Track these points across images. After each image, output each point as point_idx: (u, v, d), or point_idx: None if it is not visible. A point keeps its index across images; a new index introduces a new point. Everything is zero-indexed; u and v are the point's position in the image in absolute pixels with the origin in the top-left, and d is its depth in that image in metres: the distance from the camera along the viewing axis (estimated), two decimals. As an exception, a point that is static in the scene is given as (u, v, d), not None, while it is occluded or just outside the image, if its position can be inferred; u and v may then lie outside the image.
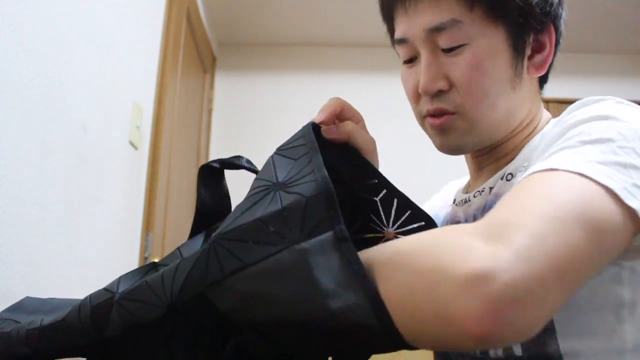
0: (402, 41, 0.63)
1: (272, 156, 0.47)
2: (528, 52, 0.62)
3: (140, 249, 1.47)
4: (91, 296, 0.46)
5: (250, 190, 0.44)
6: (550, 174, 0.42)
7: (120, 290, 0.44)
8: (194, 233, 0.56)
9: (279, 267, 0.39)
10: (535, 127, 0.65)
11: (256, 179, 0.46)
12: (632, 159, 0.43)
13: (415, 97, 0.64)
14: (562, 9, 0.63)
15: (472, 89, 0.59)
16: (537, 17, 0.60)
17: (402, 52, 0.65)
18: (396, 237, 0.53)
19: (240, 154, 0.57)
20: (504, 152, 0.65)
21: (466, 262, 0.33)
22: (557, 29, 0.63)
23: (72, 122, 0.98)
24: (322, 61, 2.69)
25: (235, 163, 0.55)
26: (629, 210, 0.40)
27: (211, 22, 2.45)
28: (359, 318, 0.37)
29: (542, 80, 0.67)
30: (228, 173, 0.58)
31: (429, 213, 0.79)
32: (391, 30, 0.68)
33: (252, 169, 0.55)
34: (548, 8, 0.60)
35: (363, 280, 0.37)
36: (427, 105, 0.62)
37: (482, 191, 0.64)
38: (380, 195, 0.52)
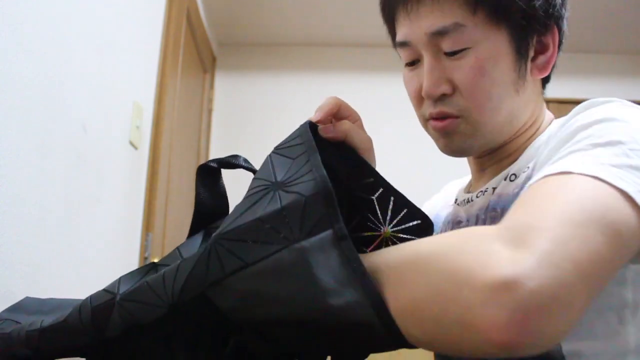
0: (404, 44, 0.63)
1: (269, 155, 0.47)
2: (531, 54, 0.62)
3: (140, 249, 1.47)
4: (91, 297, 0.46)
5: (249, 190, 0.45)
6: (565, 177, 0.41)
7: (121, 292, 0.44)
8: (192, 232, 0.56)
9: (279, 266, 0.39)
10: (538, 128, 0.65)
11: (255, 178, 0.46)
12: None
13: (418, 100, 0.64)
14: (565, 9, 0.63)
15: (476, 93, 0.59)
16: (540, 20, 0.60)
17: (404, 54, 0.64)
18: (393, 236, 0.53)
19: (240, 154, 0.57)
20: (506, 153, 0.65)
21: (490, 268, 0.33)
22: (560, 30, 0.62)
23: (72, 122, 0.98)
24: (322, 61, 2.69)
25: (232, 162, 0.55)
26: None
27: (211, 22, 2.45)
28: (359, 315, 0.37)
29: (545, 80, 0.67)
30: (225, 172, 0.58)
31: (429, 213, 0.80)
32: (392, 32, 0.67)
33: (250, 168, 0.55)
34: (551, 10, 0.60)
35: (362, 277, 0.38)
36: (430, 109, 0.62)
37: (485, 191, 0.64)
38: (377, 194, 0.53)
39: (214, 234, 0.42)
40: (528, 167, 0.58)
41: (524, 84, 0.61)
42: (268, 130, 2.50)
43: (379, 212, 0.53)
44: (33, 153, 0.83)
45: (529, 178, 0.56)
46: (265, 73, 2.69)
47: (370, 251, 0.52)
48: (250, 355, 0.45)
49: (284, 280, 0.39)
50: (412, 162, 2.50)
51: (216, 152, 2.52)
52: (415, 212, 0.53)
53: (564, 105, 1.94)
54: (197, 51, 2.24)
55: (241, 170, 0.57)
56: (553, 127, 0.62)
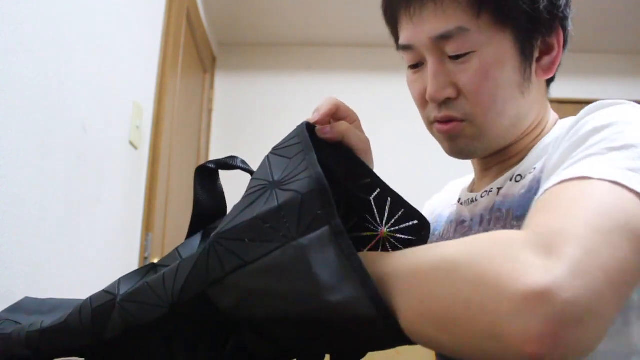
0: (407, 47, 0.62)
1: (267, 156, 0.48)
2: (536, 55, 0.61)
3: (140, 249, 1.47)
4: (92, 298, 0.46)
5: (247, 190, 0.45)
6: (584, 182, 0.41)
7: (121, 292, 0.45)
8: (191, 233, 0.56)
9: (278, 264, 0.39)
10: (543, 129, 0.64)
11: (252, 178, 0.46)
12: None
13: (423, 103, 0.64)
14: (569, 9, 0.62)
15: (481, 97, 0.59)
16: (545, 21, 0.59)
17: (408, 57, 0.64)
18: (390, 236, 0.54)
19: (240, 154, 0.58)
20: (511, 154, 0.64)
21: (521, 277, 0.32)
22: (564, 30, 0.62)
23: (72, 122, 0.98)
24: (322, 61, 2.70)
25: (230, 164, 0.56)
26: None
27: (211, 22, 2.45)
28: (358, 310, 0.38)
29: (550, 80, 0.66)
30: (222, 173, 0.58)
31: (430, 212, 0.80)
32: (395, 34, 0.67)
33: (247, 169, 0.56)
34: (555, 11, 0.59)
35: (361, 273, 0.38)
36: (434, 112, 0.62)
37: (490, 191, 0.64)
38: (374, 195, 0.53)
39: (212, 234, 0.42)
40: (534, 168, 0.58)
41: (529, 86, 0.61)
42: (268, 130, 2.50)
43: (376, 212, 0.53)
44: (33, 153, 0.83)
45: (536, 179, 0.56)
46: (265, 73, 2.69)
47: (368, 251, 0.52)
48: (250, 355, 0.45)
49: (283, 277, 0.39)
50: (412, 162, 2.50)
51: (216, 152, 2.52)
52: (412, 212, 0.54)
53: (563, 105, 1.94)
54: (197, 51, 2.24)
55: (239, 171, 0.57)
56: (559, 128, 0.62)
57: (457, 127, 0.61)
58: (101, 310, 0.45)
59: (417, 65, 0.64)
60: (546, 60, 0.62)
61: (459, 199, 0.72)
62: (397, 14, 0.64)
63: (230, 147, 2.54)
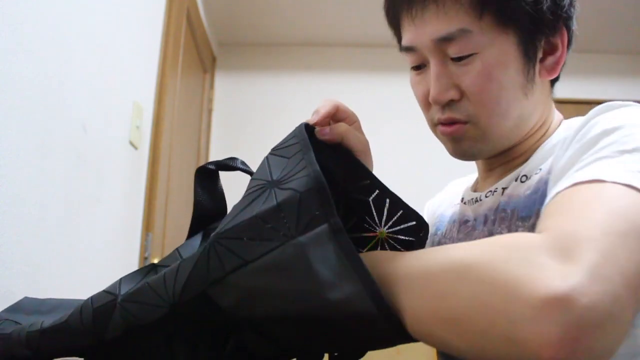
0: (410, 49, 0.62)
1: (266, 157, 0.48)
2: (539, 55, 0.61)
3: (140, 249, 1.47)
4: (92, 298, 0.46)
5: (246, 190, 0.45)
6: (598, 185, 0.41)
7: (122, 293, 0.45)
8: (191, 234, 0.57)
9: (278, 262, 0.40)
10: (547, 129, 0.64)
11: (252, 179, 0.47)
12: None
13: (426, 104, 0.64)
14: (573, 8, 0.62)
15: (484, 98, 0.58)
16: (548, 22, 0.59)
17: (410, 59, 0.64)
18: (388, 236, 0.54)
19: (240, 154, 0.58)
20: (516, 154, 0.64)
21: (540, 281, 0.32)
22: (569, 30, 0.61)
23: (72, 122, 0.98)
24: (322, 61, 2.70)
25: (230, 165, 0.56)
26: None
27: (211, 22, 2.45)
28: (359, 307, 0.38)
29: (554, 80, 0.66)
30: (222, 175, 0.59)
31: (433, 212, 0.80)
32: (397, 34, 0.67)
33: (247, 171, 0.56)
34: (559, 11, 0.59)
35: (360, 270, 0.38)
36: (438, 114, 0.62)
37: (495, 191, 0.63)
38: (373, 196, 0.53)
39: (212, 234, 0.42)
40: (540, 169, 0.58)
41: (532, 87, 0.60)
42: (268, 130, 2.50)
43: (375, 213, 0.54)
44: (33, 153, 0.83)
45: (543, 180, 0.56)
46: (265, 73, 2.69)
47: (366, 252, 0.53)
48: (250, 355, 0.45)
49: (284, 276, 0.40)
50: (412, 162, 2.50)
51: (216, 152, 2.52)
52: (410, 213, 0.54)
53: (563, 105, 1.94)
54: (197, 51, 2.24)
55: (239, 172, 0.57)
56: (564, 129, 0.62)
57: (460, 129, 0.61)
58: (102, 311, 0.45)
59: (420, 67, 0.63)
60: (550, 60, 0.62)
61: (462, 198, 0.72)
62: (399, 15, 0.63)
63: (230, 147, 2.54)
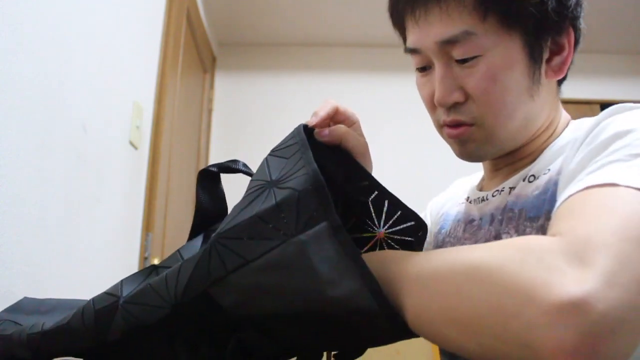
0: (414, 51, 0.62)
1: (265, 158, 0.49)
2: (546, 55, 0.60)
3: (140, 249, 1.47)
4: (94, 300, 0.47)
5: (246, 191, 0.46)
6: (611, 189, 0.40)
7: (124, 294, 0.45)
8: (193, 235, 0.57)
9: (279, 261, 0.40)
10: (555, 129, 0.64)
11: (251, 179, 0.47)
12: None
13: (432, 106, 0.63)
14: (580, 7, 0.61)
15: (489, 101, 0.58)
16: (554, 23, 0.58)
17: (415, 60, 0.64)
18: (387, 237, 0.54)
19: (240, 154, 0.59)
20: (523, 155, 0.64)
21: (556, 286, 0.32)
22: (575, 29, 0.61)
23: (72, 122, 0.98)
24: (322, 61, 2.70)
25: (231, 167, 0.56)
26: None
27: (211, 22, 2.45)
28: (359, 303, 0.38)
29: (561, 80, 0.65)
30: (223, 177, 0.59)
31: (436, 210, 0.80)
32: (403, 35, 0.66)
33: (249, 173, 0.57)
34: (565, 12, 0.58)
35: (359, 266, 0.38)
36: (443, 116, 0.62)
37: (502, 191, 0.63)
38: (372, 197, 0.54)
39: (213, 234, 0.42)
40: (549, 169, 0.58)
41: (538, 89, 0.60)
42: (268, 130, 2.50)
43: (374, 214, 0.54)
44: (33, 153, 0.83)
45: (552, 181, 0.56)
46: (265, 73, 2.69)
47: (365, 252, 0.53)
48: (251, 354, 0.45)
49: (285, 274, 0.40)
50: (412, 162, 2.50)
51: (216, 152, 2.53)
52: (409, 214, 0.55)
53: (563, 105, 1.94)
54: (197, 51, 2.24)
55: (239, 174, 0.58)
56: (572, 130, 0.61)
57: (466, 131, 0.61)
58: (104, 312, 0.45)
59: (425, 68, 0.63)
60: (557, 60, 0.61)
61: (468, 197, 0.72)
62: (403, 17, 0.63)
63: (230, 147, 2.54)
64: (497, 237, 0.60)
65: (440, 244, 0.74)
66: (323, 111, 0.55)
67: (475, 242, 0.64)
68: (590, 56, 2.64)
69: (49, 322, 0.48)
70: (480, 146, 0.62)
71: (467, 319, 0.36)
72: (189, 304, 0.42)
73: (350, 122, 0.58)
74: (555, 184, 0.55)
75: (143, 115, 1.44)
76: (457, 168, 0.87)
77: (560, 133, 0.63)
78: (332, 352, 0.48)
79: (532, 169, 0.60)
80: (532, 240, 0.38)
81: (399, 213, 0.54)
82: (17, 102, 0.78)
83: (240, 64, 2.70)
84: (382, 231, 0.54)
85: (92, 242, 1.10)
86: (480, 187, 0.72)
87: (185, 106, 2.02)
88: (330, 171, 0.51)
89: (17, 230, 0.79)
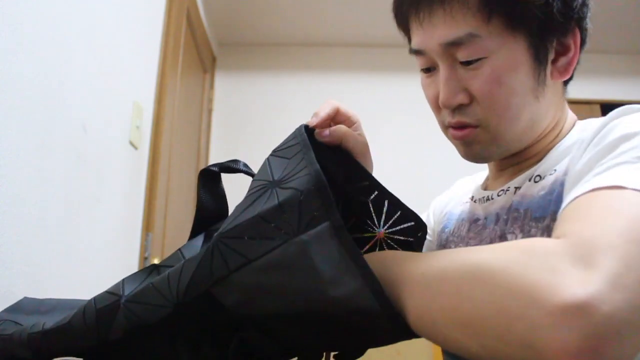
0: (419, 52, 0.62)
1: (267, 158, 0.49)
2: (551, 56, 0.60)
3: (140, 249, 1.47)
4: (95, 299, 0.47)
5: (248, 191, 0.46)
6: (618, 191, 0.40)
7: (125, 293, 0.45)
8: (194, 234, 0.57)
9: (281, 261, 0.40)
10: (561, 130, 0.64)
11: (254, 180, 0.47)
12: None
13: (437, 107, 0.63)
14: (587, 7, 0.60)
15: (493, 103, 0.58)
16: (559, 24, 0.58)
17: (420, 61, 0.63)
18: (387, 237, 0.55)
19: (240, 154, 0.59)
20: (529, 155, 0.64)
21: (561, 288, 0.32)
22: (582, 30, 0.61)
23: (72, 122, 0.98)
24: (322, 61, 2.70)
25: (232, 167, 0.57)
26: None
27: (211, 22, 2.45)
28: (360, 303, 0.38)
29: (567, 80, 0.65)
30: (223, 177, 0.59)
31: (440, 209, 0.80)
32: (407, 35, 0.66)
33: (249, 173, 0.57)
34: (571, 13, 0.58)
35: (361, 266, 0.38)
36: (448, 118, 0.61)
37: (507, 190, 0.63)
38: (372, 197, 0.54)
39: (215, 234, 0.42)
40: (555, 170, 0.57)
41: (543, 90, 0.60)
42: (268, 130, 2.51)
43: (374, 214, 0.54)
44: (33, 153, 0.83)
45: (558, 181, 0.56)
46: (265, 73, 2.69)
47: (365, 252, 0.53)
48: (253, 354, 0.46)
49: (286, 273, 0.40)
50: (412, 162, 2.50)
51: (216, 152, 2.53)
52: (408, 214, 0.55)
53: (564, 105, 1.93)
54: (197, 51, 2.24)
55: (240, 174, 0.58)
56: (579, 130, 0.61)
57: (471, 133, 0.61)
58: (106, 311, 0.45)
59: (429, 69, 0.63)
60: (562, 61, 0.61)
61: (472, 196, 0.72)
62: (407, 18, 0.63)
63: (230, 147, 2.54)
64: (502, 236, 0.60)
65: (443, 243, 0.74)
66: (324, 112, 0.55)
67: (480, 241, 0.64)
68: (590, 56, 2.62)
69: (49, 322, 0.48)
70: (485, 148, 0.62)
71: (470, 320, 0.36)
72: (191, 303, 0.42)
73: (351, 123, 0.58)
74: (562, 184, 0.54)
75: (143, 115, 1.44)
76: (457, 168, 0.87)
77: (567, 133, 0.63)
78: (333, 353, 0.48)
79: (538, 169, 0.60)
80: (537, 243, 0.38)
81: (398, 213, 0.54)
82: (17, 102, 0.78)
83: (240, 64, 2.70)
84: (381, 231, 0.54)
85: (92, 242, 1.10)
86: (485, 187, 0.72)
87: (185, 106, 2.02)
88: (331, 171, 0.51)
89: (17, 230, 0.79)
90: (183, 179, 1.95)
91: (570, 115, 0.66)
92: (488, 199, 0.66)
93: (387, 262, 0.44)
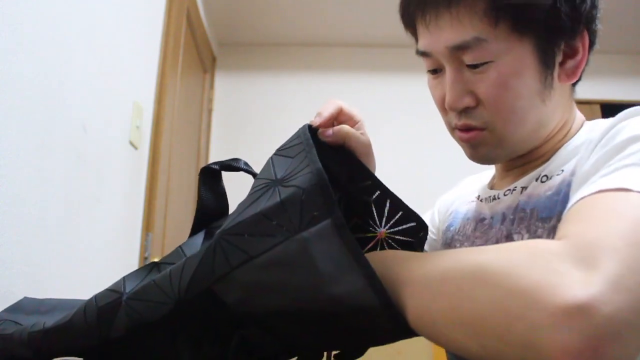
0: (425, 54, 0.62)
1: (271, 157, 0.49)
2: (559, 59, 0.59)
3: (140, 249, 1.47)
4: (96, 297, 0.47)
5: (251, 189, 0.46)
6: (623, 194, 0.40)
7: (127, 291, 0.45)
8: (194, 232, 0.57)
9: (282, 258, 0.40)
10: (568, 130, 0.63)
11: (257, 178, 0.48)
12: None
13: (444, 108, 0.63)
14: (596, 10, 0.60)
15: (500, 107, 0.58)
16: (567, 28, 0.57)
17: (426, 63, 0.63)
18: (388, 237, 0.55)
19: (240, 154, 0.59)
20: (536, 156, 0.64)
21: (561, 289, 0.32)
22: (590, 32, 0.60)
23: (72, 122, 0.98)
24: (322, 61, 2.70)
25: (233, 165, 0.57)
26: None
27: (211, 22, 2.45)
28: (361, 301, 0.38)
29: (575, 82, 0.65)
30: (224, 175, 0.59)
31: (445, 208, 0.81)
32: (414, 36, 0.66)
33: (250, 171, 0.57)
34: (579, 16, 0.57)
35: (362, 264, 0.39)
36: (455, 120, 0.61)
37: (514, 190, 0.63)
38: (374, 197, 0.54)
39: (218, 231, 0.43)
40: (562, 170, 0.57)
41: (550, 93, 0.59)
42: (268, 130, 2.51)
43: (375, 214, 0.54)
44: (33, 153, 0.83)
45: (565, 182, 0.56)
46: (265, 73, 2.69)
47: (366, 252, 0.53)
48: (254, 351, 0.46)
49: (288, 271, 0.40)
50: (412, 162, 2.50)
51: (216, 152, 2.53)
52: (410, 214, 0.55)
53: (564, 105, 1.93)
54: (197, 51, 2.24)
55: (240, 173, 0.58)
56: (586, 131, 0.61)
57: (477, 136, 0.60)
58: (107, 309, 0.45)
59: (436, 71, 0.63)
60: (570, 64, 0.60)
61: (479, 195, 0.72)
62: (414, 20, 0.63)
63: (230, 147, 2.54)
64: (509, 236, 0.60)
65: (448, 242, 0.74)
66: (327, 111, 0.55)
67: (486, 241, 0.64)
68: (590, 56, 2.64)
69: (49, 321, 0.48)
70: (491, 150, 0.61)
71: (470, 319, 0.36)
72: (193, 301, 0.42)
73: (354, 122, 0.58)
74: (569, 185, 0.54)
75: (143, 115, 1.44)
76: (457, 168, 0.87)
77: (575, 134, 0.63)
78: (333, 352, 0.48)
79: (545, 169, 0.60)
80: (540, 244, 0.38)
81: (400, 213, 0.54)
82: (17, 102, 0.78)
83: (240, 64, 2.70)
84: (382, 231, 0.55)
85: (92, 242, 1.10)
86: (492, 186, 0.72)
87: (185, 106, 2.02)
88: (333, 171, 0.51)
89: (17, 230, 0.79)
90: (183, 179, 1.95)
91: (579, 115, 0.66)
92: (494, 199, 0.66)
93: (388, 261, 0.44)
